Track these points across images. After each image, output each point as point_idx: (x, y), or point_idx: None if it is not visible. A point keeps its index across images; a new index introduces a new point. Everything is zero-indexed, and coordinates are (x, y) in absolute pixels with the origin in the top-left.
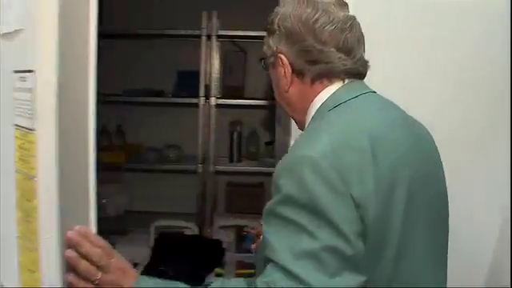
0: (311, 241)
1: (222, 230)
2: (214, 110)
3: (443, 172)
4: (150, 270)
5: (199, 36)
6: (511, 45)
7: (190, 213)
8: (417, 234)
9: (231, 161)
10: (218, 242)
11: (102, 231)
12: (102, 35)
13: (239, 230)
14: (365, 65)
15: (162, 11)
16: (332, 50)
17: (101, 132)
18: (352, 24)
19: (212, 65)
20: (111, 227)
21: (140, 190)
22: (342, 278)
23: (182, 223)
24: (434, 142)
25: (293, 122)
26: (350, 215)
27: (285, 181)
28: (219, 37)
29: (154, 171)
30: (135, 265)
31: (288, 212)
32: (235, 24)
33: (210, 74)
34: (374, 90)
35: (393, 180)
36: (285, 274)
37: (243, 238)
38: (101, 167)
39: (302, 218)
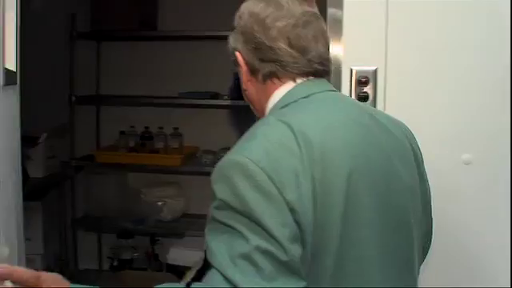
0: (246, 245)
1: None
2: None
3: (412, 170)
4: (202, 275)
5: None
6: (511, 45)
7: None
8: (365, 234)
9: None
10: None
11: (158, 234)
12: (156, 38)
13: None
14: (324, 63)
15: (216, 12)
16: (283, 46)
17: (157, 134)
18: (308, 20)
19: None
20: (167, 230)
21: (196, 193)
22: (279, 283)
23: None
24: (405, 138)
25: None
26: (283, 220)
27: (218, 186)
28: None
29: (210, 174)
30: (188, 268)
31: (224, 217)
32: None
33: None
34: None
35: (330, 182)
36: (223, 279)
37: None
38: (157, 170)
39: (236, 222)
